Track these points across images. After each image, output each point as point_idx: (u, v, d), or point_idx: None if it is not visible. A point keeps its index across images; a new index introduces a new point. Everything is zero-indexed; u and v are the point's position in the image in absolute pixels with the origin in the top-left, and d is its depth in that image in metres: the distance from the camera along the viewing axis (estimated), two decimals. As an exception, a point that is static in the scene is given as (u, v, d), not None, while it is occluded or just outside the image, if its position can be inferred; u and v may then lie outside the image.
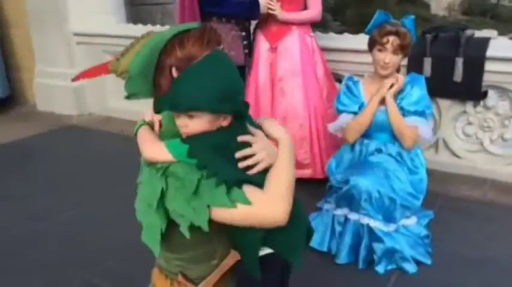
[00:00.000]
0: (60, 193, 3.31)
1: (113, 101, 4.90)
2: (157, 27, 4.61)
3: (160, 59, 1.19)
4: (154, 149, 1.22)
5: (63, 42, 4.90)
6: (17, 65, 5.50)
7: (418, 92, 2.45)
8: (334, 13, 9.00)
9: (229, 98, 1.17)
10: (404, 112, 2.44)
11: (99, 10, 4.94)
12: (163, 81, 1.19)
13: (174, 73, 1.18)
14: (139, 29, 4.64)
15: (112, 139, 4.32)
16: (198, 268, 1.30)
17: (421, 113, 2.44)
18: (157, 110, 1.22)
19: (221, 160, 1.17)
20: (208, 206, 1.15)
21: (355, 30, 3.86)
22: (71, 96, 5.00)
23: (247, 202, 1.14)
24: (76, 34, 4.88)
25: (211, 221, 1.16)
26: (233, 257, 1.31)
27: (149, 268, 1.43)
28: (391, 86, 2.44)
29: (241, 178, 1.17)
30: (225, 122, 1.22)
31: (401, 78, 2.46)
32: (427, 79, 2.57)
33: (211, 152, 1.17)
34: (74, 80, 1.47)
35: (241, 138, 1.22)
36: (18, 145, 4.32)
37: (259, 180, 1.20)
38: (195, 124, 1.19)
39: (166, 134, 1.27)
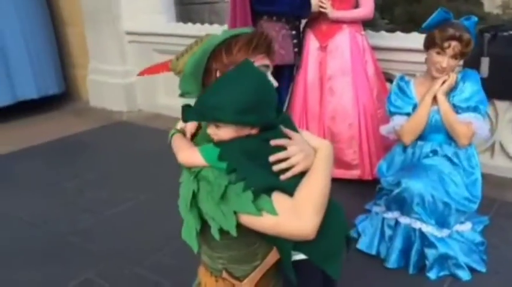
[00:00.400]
0: (110, 187, 3.41)
1: (161, 98, 4.99)
2: (206, 26, 4.66)
3: (208, 62, 1.22)
4: (188, 154, 1.25)
5: (115, 40, 5.04)
6: (72, 62, 5.70)
7: (470, 87, 2.34)
8: (382, 11, 8.84)
9: (254, 110, 1.16)
10: (457, 109, 2.34)
11: (150, 9, 5.06)
12: (210, 83, 1.21)
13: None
14: (188, 28, 4.72)
15: (159, 136, 4.40)
16: (240, 268, 1.31)
17: (474, 109, 2.32)
18: (184, 119, 1.24)
19: (253, 165, 1.17)
20: (235, 212, 1.15)
21: (404, 29, 3.77)
22: (122, 93, 5.13)
23: (274, 212, 1.13)
24: (128, 33, 5.01)
25: (241, 226, 1.16)
26: (275, 254, 1.31)
27: (195, 262, 1.45)
28: (443, 83, 2.35)
29: (271, 185, 1.16)
30: (253, 131, 1.22)
31: (453, 75, 2.36)
32: (484, 80, 2.46)
33: (242, 157, 1.18)
34: (139, 74, 1.61)
35: (274, 142, 1.22)
36: (71, 139, 4.49)
37: (292, 187, 1.18)
38: (222, 133, 1.21)
39: (202, 137, 1.30)
